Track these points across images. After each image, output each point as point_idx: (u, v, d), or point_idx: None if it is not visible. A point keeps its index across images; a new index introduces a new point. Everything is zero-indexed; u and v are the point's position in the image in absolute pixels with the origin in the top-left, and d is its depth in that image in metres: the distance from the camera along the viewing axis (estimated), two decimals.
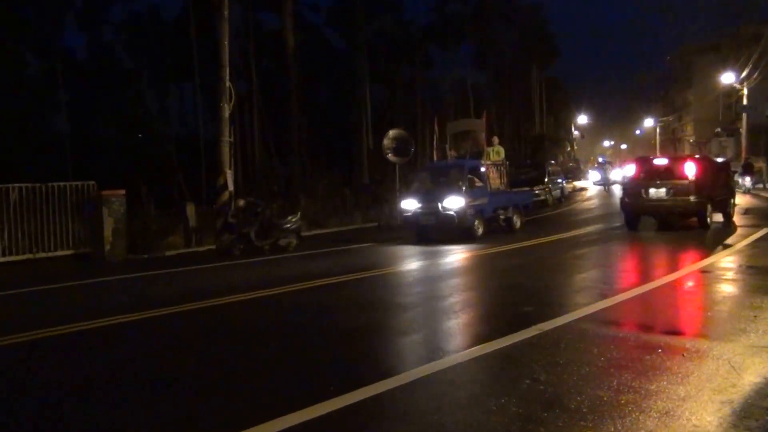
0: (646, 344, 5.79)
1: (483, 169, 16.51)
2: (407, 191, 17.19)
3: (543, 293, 8.71)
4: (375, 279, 10.66)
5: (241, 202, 15.22)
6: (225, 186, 15.90)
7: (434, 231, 16.03)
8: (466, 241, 15.09)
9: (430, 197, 15.70)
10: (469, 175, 15.91)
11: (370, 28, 39.31)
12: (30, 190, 13.76)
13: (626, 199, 16.19)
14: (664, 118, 78.94)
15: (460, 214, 15.19)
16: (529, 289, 9.04)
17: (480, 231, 15.77)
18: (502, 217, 16.91)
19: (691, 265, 10.71)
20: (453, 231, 15.65)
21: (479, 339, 6.18)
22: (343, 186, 26.38)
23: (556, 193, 30.48)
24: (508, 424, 4.07)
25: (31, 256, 13.59)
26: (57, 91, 33.94)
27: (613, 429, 3.94)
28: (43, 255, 13.73)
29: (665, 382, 4.74)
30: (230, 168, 16.33)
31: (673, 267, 10.96)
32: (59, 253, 13.98)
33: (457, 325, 7.07)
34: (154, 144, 32.34)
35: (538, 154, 50.24)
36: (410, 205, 16.02)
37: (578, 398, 4.46)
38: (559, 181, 31.74)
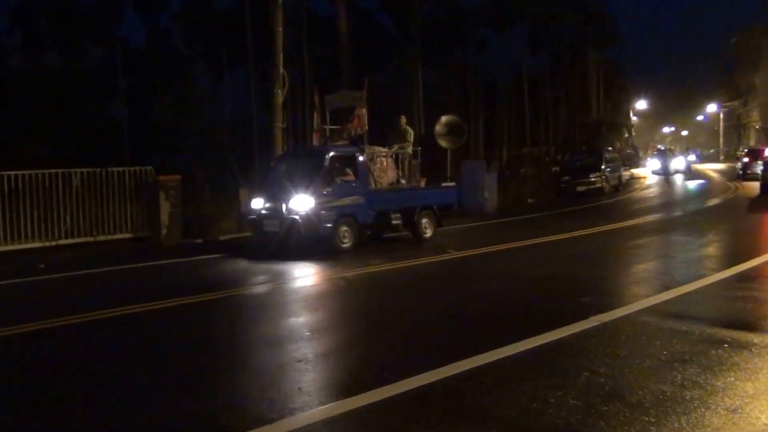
0: (711, 338, 5.55)
1: (361, 159, 12.77)
2: (259, 186, 13.40)
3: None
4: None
5: None
6: None
7: (285, 240, 12.00)
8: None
9: (277, 195, 12.17)
10: (347, 168, 12.63)
11: (423, 13, 38.96)
12: (91, 175, 14.14)
13: (766, 173, 22.13)
14: (729, 104, 75.96)
15: (309, 218, 11.62)
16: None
17: (348, 242, 12.05)
18: (395, 222, 13.05)
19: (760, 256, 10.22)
20: (305, 241, 11.83)
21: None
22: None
23: (614, 181, 29.68)
24: (567, 416, 3.95)
25: (91, 238, 13.97)
26: (116, 79, 34.84)
27: (677, 425, 3.77)
28: (103, 238, 14.09)
29: (732, 378, 4.54)
30: None
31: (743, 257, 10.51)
32: (118, 236, 14.33)
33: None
34: (208, 130, 32.89)
35: (594, 141, 48.96)
36: (257, 204, 12.53)
37: (640, 392, 4.30)
38: (614, 168, 30.79)
